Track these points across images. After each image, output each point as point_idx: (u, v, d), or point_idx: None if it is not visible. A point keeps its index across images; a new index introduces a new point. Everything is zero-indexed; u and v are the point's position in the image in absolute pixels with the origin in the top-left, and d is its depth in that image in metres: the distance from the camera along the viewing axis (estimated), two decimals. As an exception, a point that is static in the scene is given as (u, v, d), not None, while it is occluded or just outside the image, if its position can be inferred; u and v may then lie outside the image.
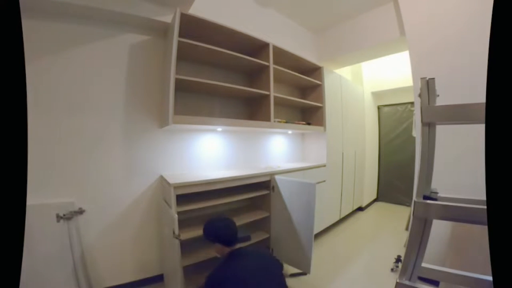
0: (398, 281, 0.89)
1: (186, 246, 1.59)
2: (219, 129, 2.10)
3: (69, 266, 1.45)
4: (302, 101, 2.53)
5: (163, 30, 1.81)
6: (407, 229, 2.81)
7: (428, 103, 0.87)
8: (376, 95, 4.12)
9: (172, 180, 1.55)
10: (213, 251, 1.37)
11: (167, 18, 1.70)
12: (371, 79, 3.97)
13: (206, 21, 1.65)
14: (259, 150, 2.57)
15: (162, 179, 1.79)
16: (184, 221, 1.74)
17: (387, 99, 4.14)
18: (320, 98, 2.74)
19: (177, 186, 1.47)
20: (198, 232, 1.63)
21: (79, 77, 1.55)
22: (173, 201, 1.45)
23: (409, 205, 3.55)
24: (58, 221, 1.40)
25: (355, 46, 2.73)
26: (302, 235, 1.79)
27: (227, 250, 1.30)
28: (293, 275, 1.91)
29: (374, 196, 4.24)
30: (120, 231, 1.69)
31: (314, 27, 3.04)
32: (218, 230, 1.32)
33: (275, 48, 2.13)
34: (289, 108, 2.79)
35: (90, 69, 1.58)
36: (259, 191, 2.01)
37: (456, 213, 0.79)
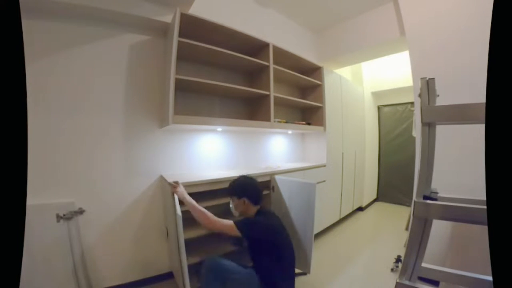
0: (398, 281, 0.89)
1: (187, 246, 1.59)
2: (219, 129, 2.10)
3: (69, 266, 1.45)
4: (302, 101, 2.53)
5: (163, 30, 1.81)
6: (407, 229, 2.81)
7: (428, 103, 0.87)
8: (376, 95, 4.12)
9: (172, 180, 1.55)
10: (234, 208, 1.46)
11: (167, 18, 1.70)
12: (371, 79, 3.97)
13: (206, 21, 1.65)
14: (259, 150, 2.57)
15: (162, 179, 1.79)
16: (184, 221, 1.73)
17: (387, 99, 4.14)
18: (320, 98, 2.74)
19: (177, 186, 1.47)
20: (198, 232, 1.63)
21: (79, 77, 1.55)
22: (173, 201, 1.45)
23: (409, 205, 3.54)
24: (58, 221, 1.40)
25: (355, 46, 2.72)
26: (302, 235, 1.79)
27: (252, 208, 1.40)
28: (293, 275, 1.91)
29: (374, 196, 4.23)
30: (120, 231, 1.69)
31: (314, 27, 3.04)
32: (249, 186, 1.43)
33: (275, 48, 2.13)
34: (289, 108, 2.79)
35: (90, 69, 1.58)
36: (259, 191, 2.01)
37: (456, 213, 0.79)
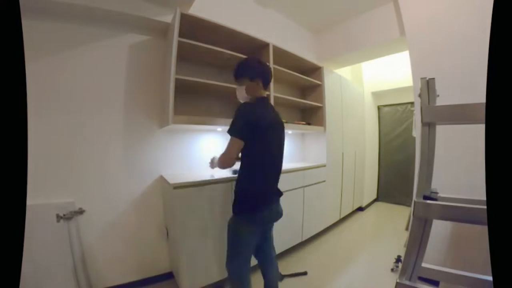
0: (398, 281, 0.89)
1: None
2: (219, 129, 2.09)
3: (69, 266, 1.45)
4: (302, 101, 2.53)
5: (163, 30, 1.81)
6: (407, 229, 2.81)
7: (428, 103, 0.87)
8: (376, 95, 4.12)
9: (172, 180, 1.55)
10: (241, 90, 1.29)
11: (167, 18, 1.70)
12: (371, 79, 3.97)
13: (206, 21, 1.65)
14: (259, 150, 2.56)
15: (162, 179, 1.79)
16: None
17: (387, 99, 4.13)
18: (320, 98, 2.74)
19: (177, 186, 1.47)
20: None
21: (79, 77, 1.55)
22: (174, 201, 1.45)
23: (409, 205, 3.54)
24: (58, 221, 1.39)
25: (355, 46, 2.72)
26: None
27: (260, 91, 1.28)
28: (293, 275, 1.91)
29: (374, 196, 4.23)
30: (121, 231, 1.69)
31: (314, 27, 3.04)
32: (264, 66, 1.31)
33: (275, 48, 2.13)
34: (289, 108, 2.79)
35: (90, 69, 1.58)
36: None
37: (456, 213, 0.79)
